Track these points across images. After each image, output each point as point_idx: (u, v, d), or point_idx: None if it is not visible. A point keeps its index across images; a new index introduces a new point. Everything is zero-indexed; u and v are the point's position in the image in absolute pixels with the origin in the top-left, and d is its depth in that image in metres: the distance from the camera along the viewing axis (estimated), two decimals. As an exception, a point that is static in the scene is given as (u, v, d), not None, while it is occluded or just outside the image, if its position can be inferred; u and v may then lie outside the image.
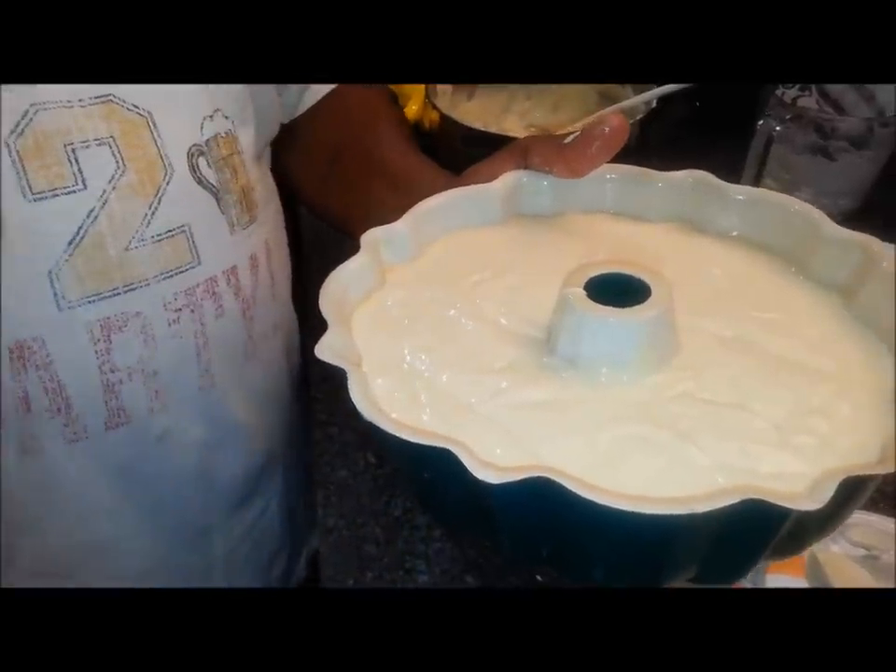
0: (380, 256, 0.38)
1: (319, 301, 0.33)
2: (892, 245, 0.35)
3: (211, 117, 0.46)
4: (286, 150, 0.60)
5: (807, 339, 0.35)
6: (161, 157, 0.44)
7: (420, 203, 0.40)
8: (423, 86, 0.75)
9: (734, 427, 0.31)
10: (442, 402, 0.32)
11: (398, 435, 0.26)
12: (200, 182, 0.46)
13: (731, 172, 0.71)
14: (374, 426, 0.27)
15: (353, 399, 0.28)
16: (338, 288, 0.35)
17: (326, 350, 0.30)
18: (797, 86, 0.69)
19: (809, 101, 0.71)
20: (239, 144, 0.48)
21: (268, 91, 0.54)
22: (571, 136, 0.40)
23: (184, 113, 0.45)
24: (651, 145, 0.69)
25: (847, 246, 0.36)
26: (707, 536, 0.27)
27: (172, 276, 0.45)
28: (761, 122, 0.67)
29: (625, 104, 0.51)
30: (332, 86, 0.59)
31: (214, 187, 0.47)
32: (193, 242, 0.46)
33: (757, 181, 0.69)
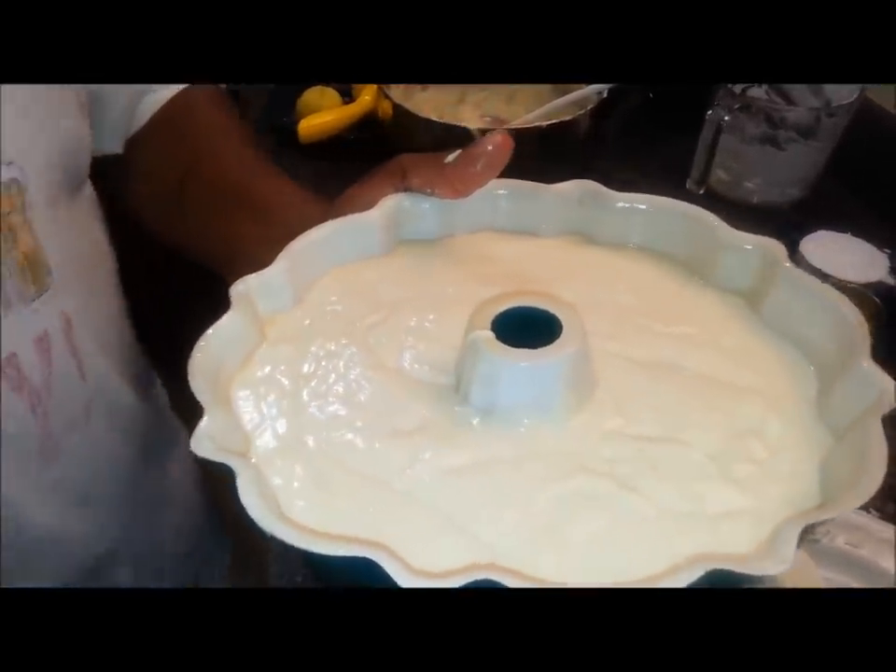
0: (255, 308, 0.33)
1: (189, 378, 0.28)
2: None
3: None
4: (121, 179, 0.52)
5: (724, 351, 0.34)
6: None
7: (295, 240, 0.35)
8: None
9: (669, 464, 0.29)
10: (356, 484, 0.28)
11: (306, 548, 0.22)
12: None
13: (684, 161, 0.70)
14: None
15: (245, 507, 0.23)
16: (209, 360, 0.29)
17: (204, 441, 0.25)
18: (744, 77, 0.70)
19: (758, 91, 0.72)
20: (27, 195, 0.38)
21: (73, 114, 0.44)
22: (452, 156, 0.37)
23: None
24: (605, 135, 0.67)
25: (746, 250, 0.35)
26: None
27: None
28: (710, 112, 0.67)
29: (577, 94, 0.48)
30: (167, 96, 0.52)
31: None
32: None
33: (706, 171, 0.69)
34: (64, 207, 0.43)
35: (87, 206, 0.48)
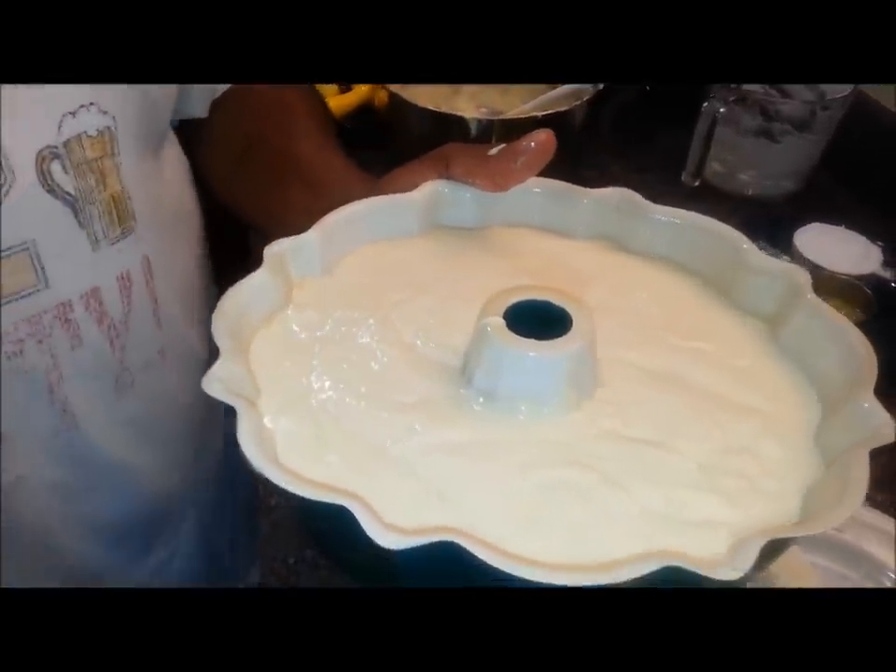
0: (286, 270, 0.35)
1: (212, 325, 0.30)
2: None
3: (74, 113, 0.39)
4: (196, 141, 0.55)
5: (735, 371, 0.34)
6: (1, 162, 0.36)
7: (332, 212, 0.37)
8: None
9: (659, 468, 0.29)
10: (352, 445, 0.29)
11: (287, 489, 0.23)
12: (51, 191, 0.39)
13: (679, 153, 0.70)
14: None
15: (240, 444, 0.25)
16: (234, 309, 0.31)
17: (214, 383, 0.27)
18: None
19: (754, 84, 0.71)
20: (116, 144, 0.41)
21: None
22: (496, 149, 0.38)
23: (37, 108, 0.38)
24: (600, 126, 0.68)
25: (772, 276, 0.35)
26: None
27: (10, 303, 0.39)
28: (705, 104, 0.67)
29: (572, 85, 0.48)
30: None
31: (70, 196, 0.40)
32: (39, 261, 0.39)
33: (702, 163, 0.69)
34: (151, 160, 0.47)
35: (172, 163, 0.51)
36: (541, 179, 0.39)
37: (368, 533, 0.22)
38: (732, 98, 0.67)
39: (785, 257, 0.65)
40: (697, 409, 0.32)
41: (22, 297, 0.39)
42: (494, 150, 0.38)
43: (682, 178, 0.69)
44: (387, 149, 0.46)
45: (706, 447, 0.30)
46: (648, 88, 0.74)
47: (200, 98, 0.53)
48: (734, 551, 0.24)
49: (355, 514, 0.23)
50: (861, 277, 0.64)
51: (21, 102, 0.37)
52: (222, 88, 0.54)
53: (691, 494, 0.28)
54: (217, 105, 0.54)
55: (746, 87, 0.69)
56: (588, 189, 0.39)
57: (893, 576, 0.46)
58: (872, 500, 0.45)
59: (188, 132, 0.54)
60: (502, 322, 0.31)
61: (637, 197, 0.38)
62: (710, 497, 0.29)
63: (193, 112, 0.54)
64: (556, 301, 0.32)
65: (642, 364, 0.34)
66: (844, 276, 0.64)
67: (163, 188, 0.48)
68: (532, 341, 0.30)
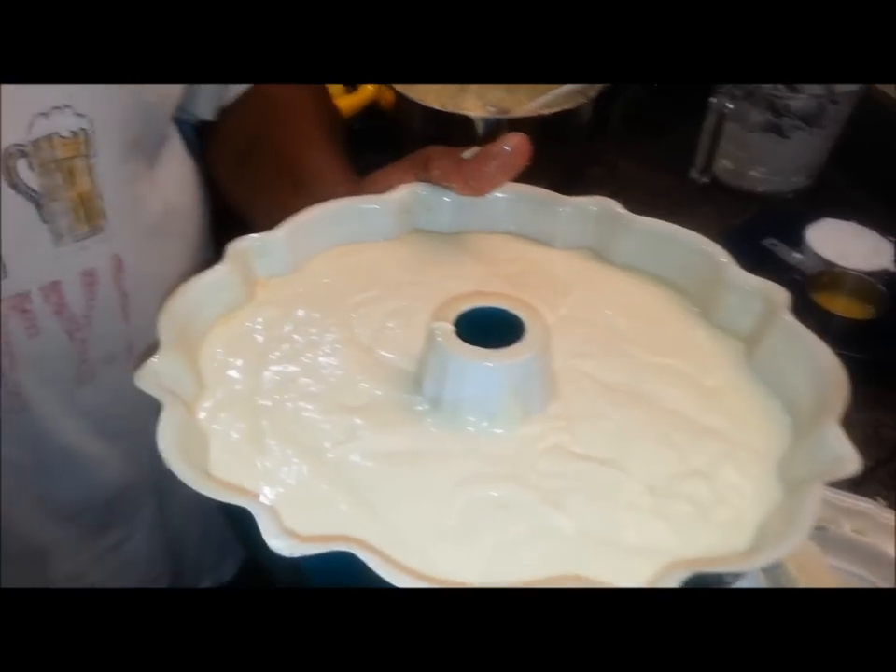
0: (250, 268, 0.34)
1: (158, 319, 0.30)
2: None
3: (46, 114, 0.40)
4: (206, 142, 0.56)
5: (702, 390, 0.32)
6: None
7: (303, 210, 0.36)
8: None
9: (604, 488, 0.28)
10: (289, 446, 0.28)
11: (191, 487, 0.23)
12: (14, 187, 0.40)
13: (687, 150, 0.69)
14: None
15: (157, 437, 0.25)
16: (186, 305, 0.31)
17: (147, 376, 0.27)
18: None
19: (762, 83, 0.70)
20: (92, 145, 0.42)
21: (156, 87, 0.47)
22: (470, 151, 0.37)
23: (8, 107, 0.39)
24: (607, 124, 0.67)
25: (749, 293, 0.34)
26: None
27: None
28: (713, 100, 0.67)
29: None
30: None
31: (34, 192, 0.41)
32: None
33: (710, 159, 0.68)
34: (139, 161, 0.47)
35: (172, 164, 0.51)
36: (521, 185, 0.38)
37: (263, 537, 0.21)
38: (739, 94, 0.66)
39: (796, 253, 0.64)
40: (655, 428, 0.31)
41: None
42: (468, 153, 0.37)
43: (691, 175, 0.68)
44: (395, 150, 0.46)
45: (659, 469, 0.29)
46: (655, 84, 0.74)
47: (207, 101, 0.54)
48: (652, 582, 0.22)
49: (255, 517, 0.22)
50: (872, 273, 0.62)
51: None
52: (232, 92, 0.55)
53: (632, 516, 0.27)
54: (228, 108, 0.55)
55: (752, 84, 0.69)
56: (567, 198, 0.38)
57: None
58: (888, 500, 0.43)
59: (202, 130, 0.54)
60: (451, 328, 0.30)
61: (617, 207, 0.37)
62: (654, 521, 0.27)
63: (200, 114, 0.54)
64: (511, 308, 0.31)
65: (603, 378, 0.32)
66: (856, 272, 0.62)
67: (153, 189, 0.48)
68: (478, 349, 0.29)
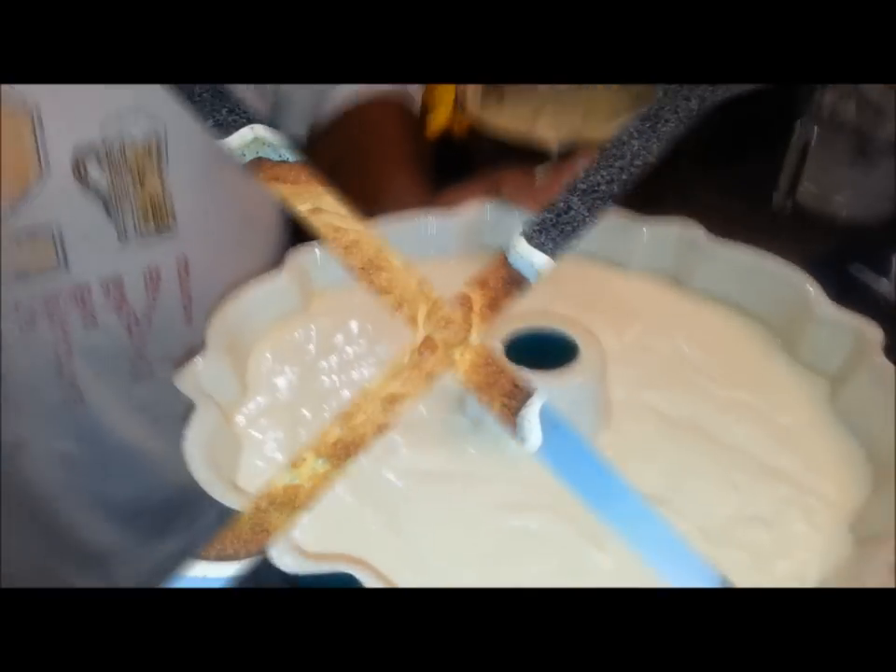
0: (308, 278, 0.35)
1: (209, 321, 0.30)
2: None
3: (119, 115, 0.42)
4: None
5: (776, 429, 0.30)
6: (39, 153, 0.40)
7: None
8: (452, 93, 0.72)
9: (651, 527, 0.26)
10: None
11: (205, 489, 0.23)
12: (83, 183, 0.42)
13: (765, 178, 0.69)
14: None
15: (185, 438, 0.25)
16: (240, 310, 0.31)
17: (187, 377, 0.27)
18: (836, 91, 0.67)
19: (849, 105, 0.69)
20: (164, 148, 0.44)
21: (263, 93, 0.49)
22: (542, 168, 0.36)
23: (81, 107, 0.41)
24: (686, 147, 0.65)
25: (838, 329, 0.31)
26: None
27: (28, 278, 0.42)
28: (798, 128, 0.66)
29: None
30: (353, 100, 0.56)
31: (103, 190, 0.43)
32: (62, 246, 0.43)
33: (793, 186, 0.68)
34: (216, 170, 0.48)
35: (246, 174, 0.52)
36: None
37: (268, 551, 0.21)
38: (825, 122, 0.65)
39: (884, 280, 0.60)
40: (716, 465, 0.28)
41: (41, 274, 0.43)
42: (540, 171, 0.36)
43: (774, 200, 0.67)
44: (468, 177, 0.46)
45: (715, 510, 0.27)
46: (736, 108, 0.72)
47: (298, 116, 0.55)
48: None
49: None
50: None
51: (67, 100, 0.40)
52: (327, 108, 0.55)
53: (678, 561, 0.25)
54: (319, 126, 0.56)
55: (839, 108, 0.67)
56: (646, 218, 0.36)
57: None
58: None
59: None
60: (500, 347, 0.28)
61: (699, 231, 0.35)
62: (703, 568, 0.25)
63: (290, 129, 0.55)
64: (567, 331, 0.29)
65: (664, 409, 0.30)
66: None
67: (231, 197, 0.49)
68: (524, 370, 0.28)
